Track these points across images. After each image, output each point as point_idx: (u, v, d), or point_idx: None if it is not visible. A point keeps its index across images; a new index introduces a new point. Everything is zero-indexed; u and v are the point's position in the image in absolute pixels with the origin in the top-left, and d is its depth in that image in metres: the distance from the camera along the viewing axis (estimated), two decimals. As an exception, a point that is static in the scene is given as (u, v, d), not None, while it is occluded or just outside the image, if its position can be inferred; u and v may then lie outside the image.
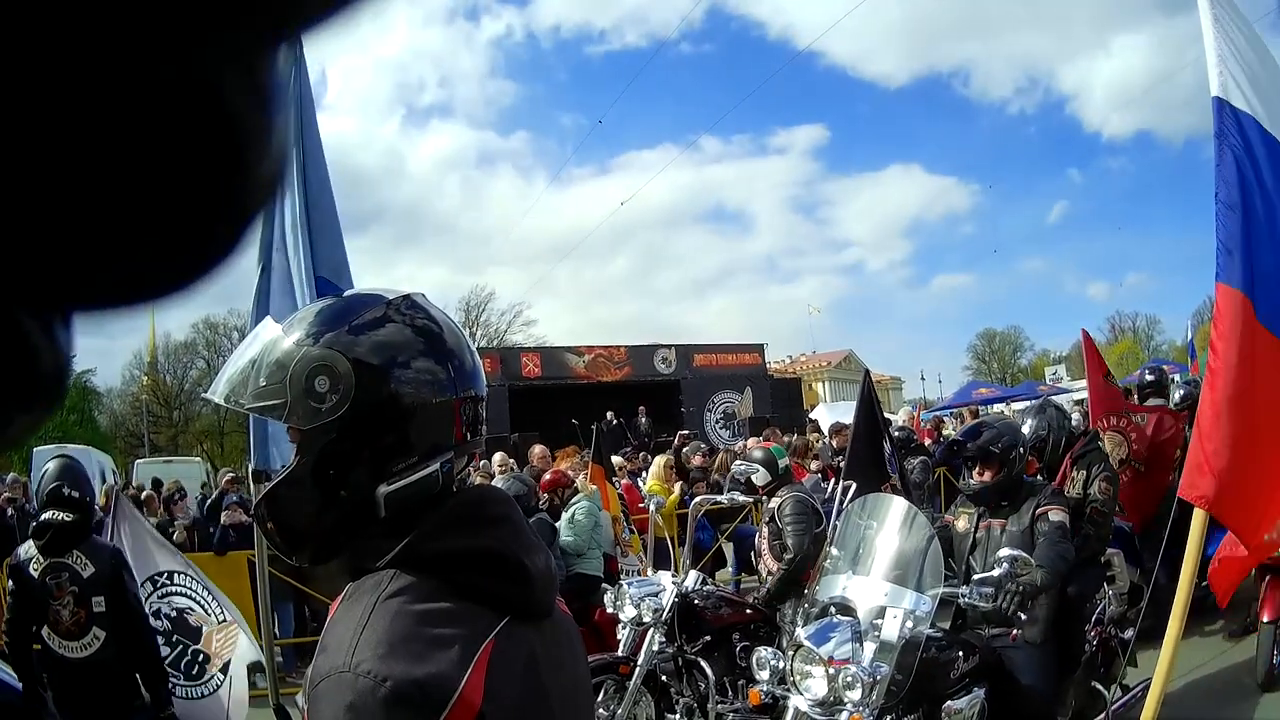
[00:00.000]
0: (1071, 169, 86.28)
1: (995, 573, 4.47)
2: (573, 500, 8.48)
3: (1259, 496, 3.79)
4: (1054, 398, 11.38)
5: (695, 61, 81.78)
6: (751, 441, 13.00)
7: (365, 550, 1.38)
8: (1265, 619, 6.70)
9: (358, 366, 1.36)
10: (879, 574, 4.49)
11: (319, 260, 4.85)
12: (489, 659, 1.27)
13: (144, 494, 14.50)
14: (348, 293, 1.53)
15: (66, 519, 5.14)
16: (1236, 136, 3.80)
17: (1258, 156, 3.82)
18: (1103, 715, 5.46)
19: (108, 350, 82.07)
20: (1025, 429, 6.68)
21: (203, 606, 6.32)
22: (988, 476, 5.29)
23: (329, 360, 1.35)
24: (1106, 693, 5.55)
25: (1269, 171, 3.83)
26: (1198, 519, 3.70)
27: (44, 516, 5.16)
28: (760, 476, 6.84)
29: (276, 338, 1.40)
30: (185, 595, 6.29)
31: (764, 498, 6.93)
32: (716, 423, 27.33)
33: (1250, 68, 3.92)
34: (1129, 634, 5.83)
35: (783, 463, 7.04)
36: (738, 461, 7.32)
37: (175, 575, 6.38)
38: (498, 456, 11.24)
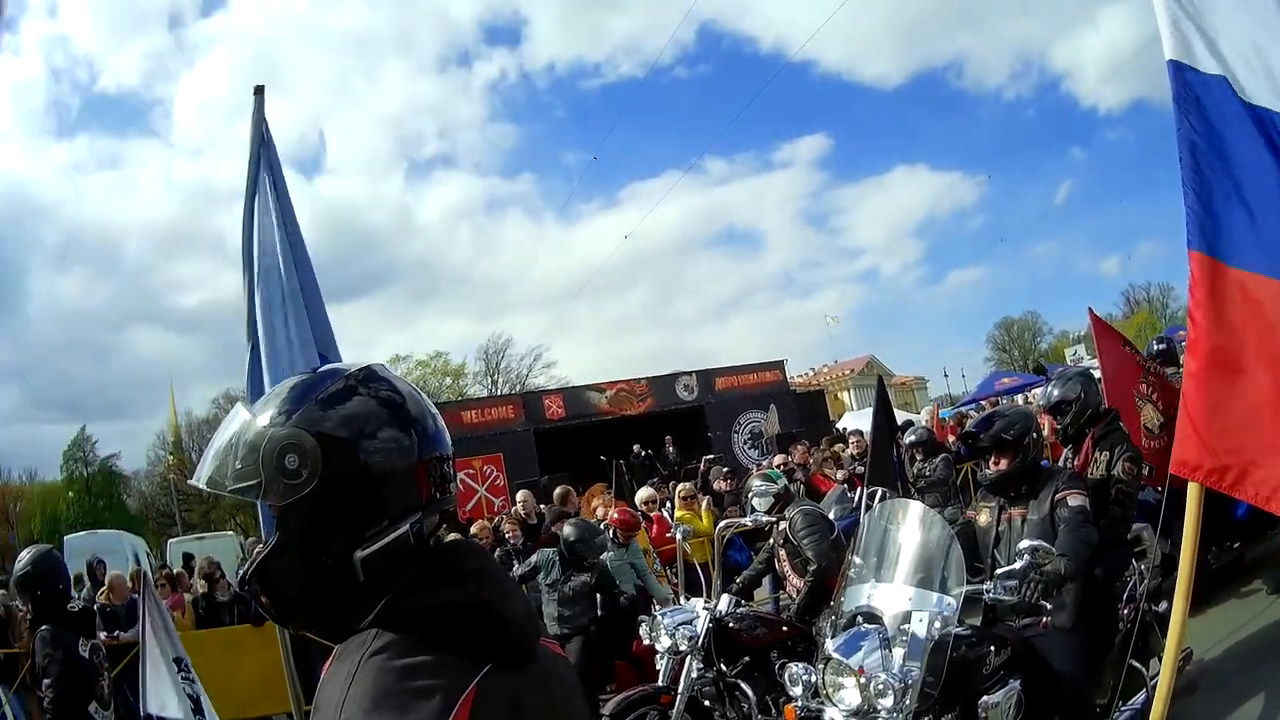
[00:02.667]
0: (1074, 147, 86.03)
1: (1017, 565, 4.48)
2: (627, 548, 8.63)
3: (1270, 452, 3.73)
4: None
5: (692, 84, 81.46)
6: (779, 460, 12.97)
7: (350, 613, 1.43)
8: None
9: (323, 441, 1.43)
10: (902, 579, 4.49)
11: (317, 336, 4.96)
12: (471, 707, 1.32)
13: (176, 571, 14.61)
14: (316, 369, 1.59)
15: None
16: (1193, 97, 3.80)
17: (1218, 112, 3.80)
18: (1143, 693, 5.43)
19: (131, 433, 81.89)
20: (1052, 392, 6.67)
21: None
22: (1004, 464, 5.30)
23: (296, 438, 1.43)
24: (1145, 670, 5.53)
25: (1232, 127, 3.82)
26: (1193, 493, 3.68)
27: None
28: (763, 502, 6.91)
29: (247, 421, 1.48)
30: (196, 682, 6.40)
31: (774, 521, 6.98)
32: (744, 443, 27.24)
33: (1207, 24, 3.90)
34: (1163, 607, 5.79)
35: (781, 483, 7.13)
36: (758, 482, 7.36)
37: (183, 663, 6.47)
38: (521, 494, 11.34)
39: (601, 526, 9.09)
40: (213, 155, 72.81)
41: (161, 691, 6.19)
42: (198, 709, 6.27)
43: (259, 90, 5.22)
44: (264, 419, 1.47)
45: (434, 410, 1.60)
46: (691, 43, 74.70)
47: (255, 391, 4.74)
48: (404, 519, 1.48)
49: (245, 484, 1.45)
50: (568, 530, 8.31)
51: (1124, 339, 8.21)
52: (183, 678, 6.29)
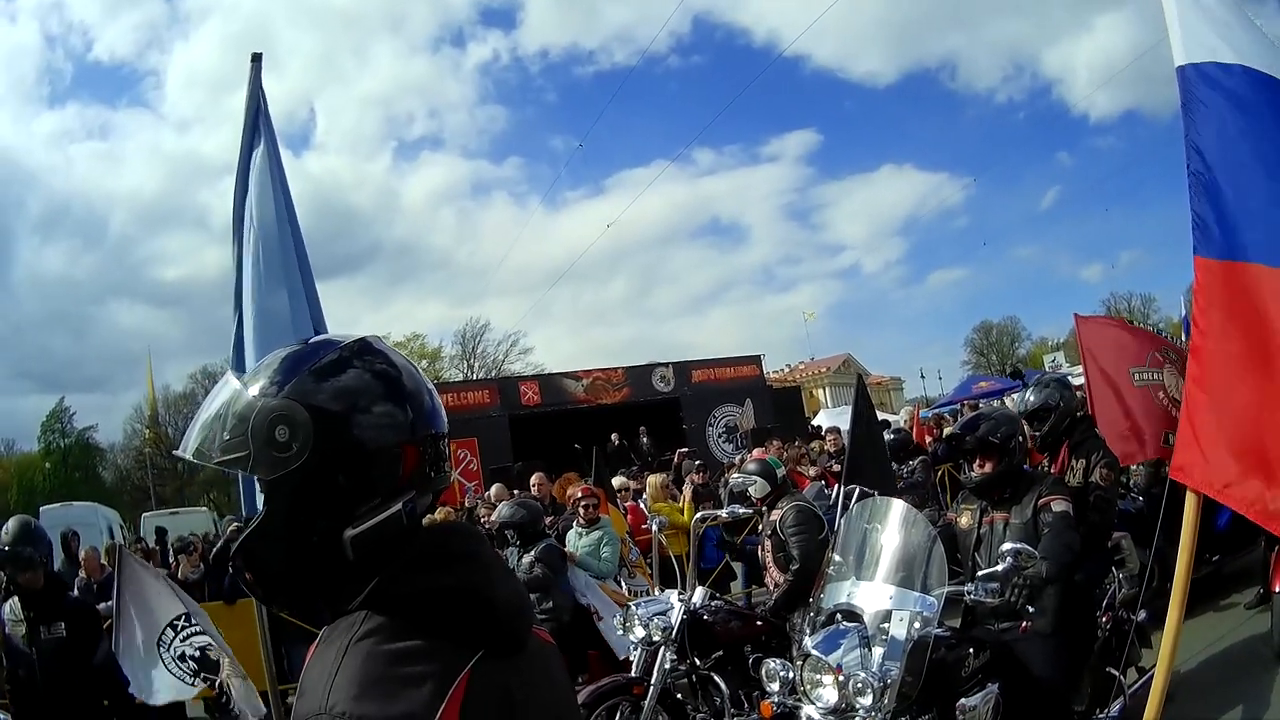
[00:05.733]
0: (1061, 152, 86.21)
1: (999, 568, 4.45)
2: (594, 527, 8.49)
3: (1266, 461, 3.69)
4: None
5: (684, 74, 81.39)
6: (756, 452, 12.96)
7: (338, 594, 1.39)
8: (1278, 589, 6.68)
9: (315, 414, 1.38)
10: (883, 577, 4.46)
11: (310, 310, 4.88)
12: (463, 696, 1.27)
13: (150, 547, 14.54)
14: (309, 340, 1.54)
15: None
16: (1205, 92, 3.74)
17: (1235, 99, 3.73)
18: (1120, 700, 5.43)
19: (109, 406, 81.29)
20: (1029, 398, 6.62)
21: (216, 642, 6.31)
22: (988, 468, 5.28)
23: (287, 410, 1.37)
24: (1123, 677, 5.53)
25: (1254, 109, 3.74)
26: (1190, 500, 3.65)
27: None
28: (758, 488, 6.84)
29: (238, 390, 1.42)
30: (203, 633, 6.27)
31: (764, 510, 6.92)
32: (719, 437, 27.17)
33: (1220, 19, 3.84)
34: (1142, 616, 5.80)
35: (780, 473, 7.03)
36: (735, 475, 7.31)
37: (189, 617, 6.33)
38: (495, 488, 11.31)
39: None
40: (200, 129, 72.76)
41: (134, 667, 6.10)
42: (207, 659, 6.16)
43: (256, 58, 5.13)
44: (255, 389, 1.41)
45: (430, 386, 1.54)
46: (686, 33, 74.59)
47: (240, 364, 4.64)
48: (397, 498, 1.43)
49: (233, 455, 1.39)
50: (505, 511, 8.25)
51: (1122, 321, 8.13)
52: (193, 632, 6.18)
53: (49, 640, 5.63)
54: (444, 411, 1.55)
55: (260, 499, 1.44)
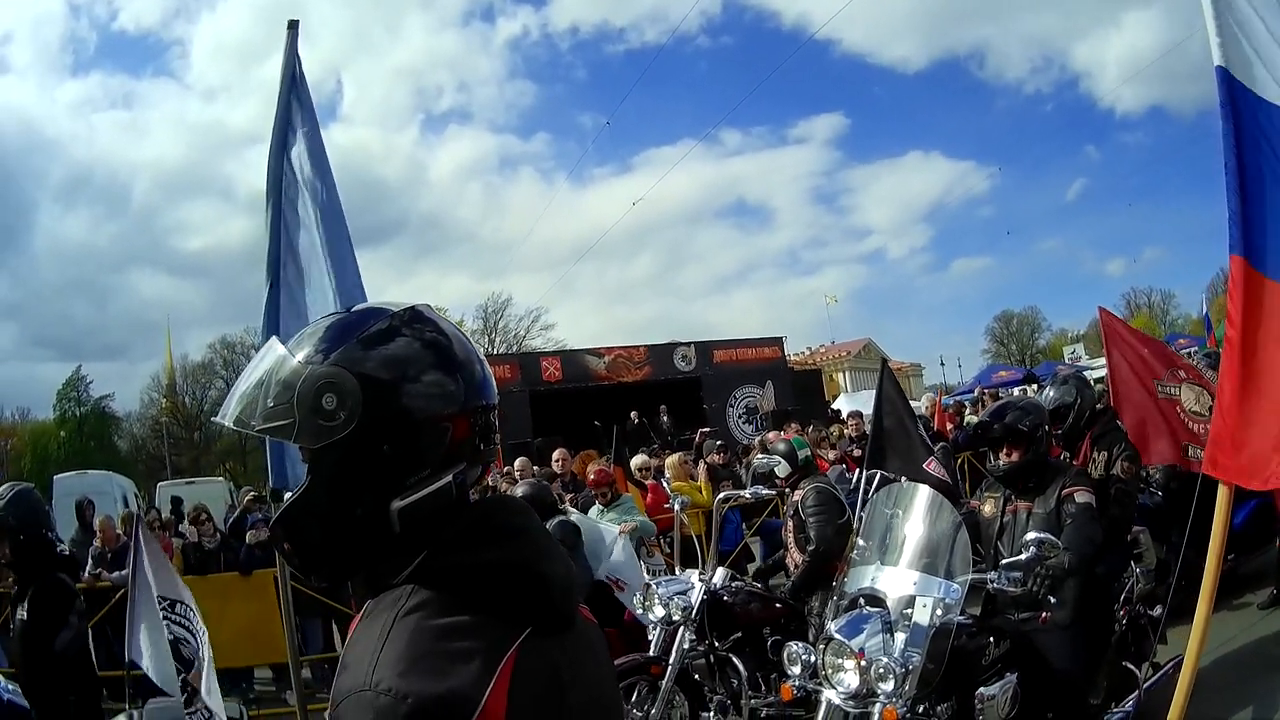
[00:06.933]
0: (1088, 146, 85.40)
1: (1022, 557, 4.46)
2: (615, 504, 8.55)
3: None
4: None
5: (713, 54, 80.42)
6: (772, 435, 12.95)
7: (383, 566, 1.37)
8: None
9: (364, 382, 1.35)
10: (907, 563, 4.48)
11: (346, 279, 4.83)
12: (511, 672, 1.25)
13: (164, 516, 14.56)
14: (353, 308, 1.51)
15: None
16: (1240, 105, 3.72)
17: (1263, 124, 3.72)
18: (1135, 694, 5.44)
19: (125, 374, 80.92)
20: (1048, 394, 6.64)
21: (196, 638, 6.05)
22: (1015, 457, 5.28)
23: (335, 377, 1.35)
24: (1138, 671, 5.53)
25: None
26: (1223, 494, 3.64)
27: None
28: (782, 469, 6.84)
29: (283, 356, 1.39)
30: (182, 626, 6.07)
31: (786, 490, 6.93)
32: (739, 418, 27.17)
33: (1255, 34, 3.81)
34: (1158, 611, 5.80)
35: (803, 454, 7.02)
36: (758, 455, 7.30)
37: (177, 605, 6.16)
38: (519, 461, 11.32)
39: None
40: (227, 99, 72.48)
41: (141, 640, 6.05)
42: (179, 654, 6.04)
43: (293, 25, 5.04)
44: (301, 356, 1.37)
45: (481, 357, 1.51)
46: (716, 13, 74.01)
47: (271, 332, 4.59)
48: (446, 469, 1.40)
49: (276, 424, 1.36)
50: (520, 490, 8.14)
51: (1140, 336, 8.10)
52: (173, 620, 6.06)
53: (18, 623, 5.24)
54: (494, 382, 1.53)
55: (292, 470, 1.42)
